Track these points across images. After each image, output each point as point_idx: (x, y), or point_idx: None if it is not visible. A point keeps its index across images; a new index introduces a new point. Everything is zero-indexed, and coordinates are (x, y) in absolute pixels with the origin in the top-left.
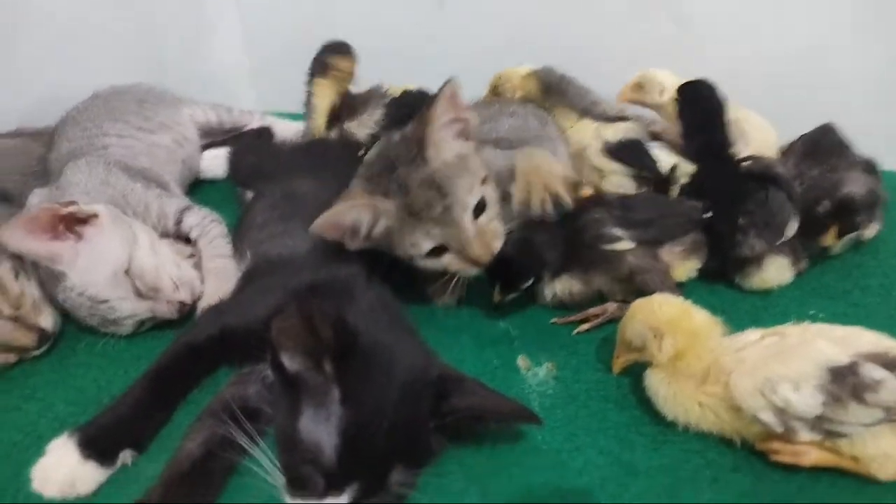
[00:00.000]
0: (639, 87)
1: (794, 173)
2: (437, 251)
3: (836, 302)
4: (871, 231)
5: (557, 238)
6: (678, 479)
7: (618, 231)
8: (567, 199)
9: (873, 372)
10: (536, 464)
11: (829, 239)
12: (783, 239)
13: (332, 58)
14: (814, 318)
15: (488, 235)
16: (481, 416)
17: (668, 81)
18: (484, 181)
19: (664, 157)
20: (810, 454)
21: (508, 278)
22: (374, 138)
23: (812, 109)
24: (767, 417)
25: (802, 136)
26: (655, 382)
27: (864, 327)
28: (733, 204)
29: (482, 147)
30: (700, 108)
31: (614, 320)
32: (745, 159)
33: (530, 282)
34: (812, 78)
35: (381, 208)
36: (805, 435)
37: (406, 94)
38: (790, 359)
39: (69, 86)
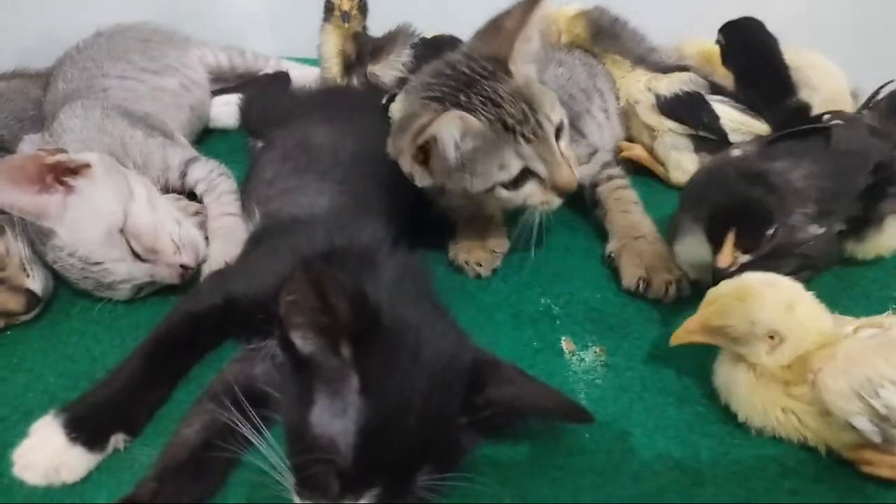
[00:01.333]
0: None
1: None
2: (519, 180)
3: None
4: None
5: None
6: (750, 490)
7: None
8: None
9: None
10: (582, 467)
11: None
12: None
13: None
14: None
15: (571, 160)
16: (521, 410)
17: None
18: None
19: (727, 114)
20: None
21: (748, 222)
22: (402, 82)
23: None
24: (863, 424)
25: (891, 92)
26: (734, 379)
27: None
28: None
29: None
30: (753, 50)
31: None
32: (823, 115)
33: (773, 230)
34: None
35: (471, 124)
36: None
37: (439, 38)
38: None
39: (72, 26)
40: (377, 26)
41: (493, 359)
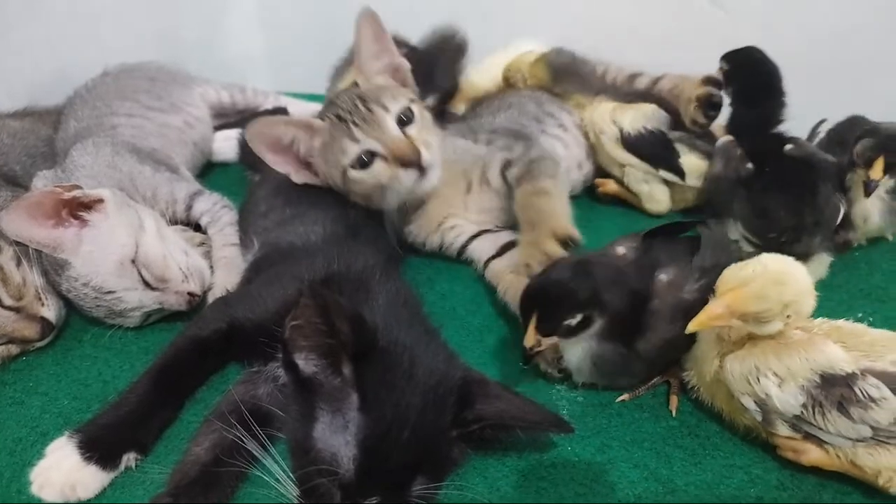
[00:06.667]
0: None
1: None
2: (367, 161)
3: (887, 305)
4: None
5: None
6: (719, 496)
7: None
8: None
9: (871, 389)
10: (565, 477)
11: (877, 172)
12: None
13: None
14: (863, 322)
15: (417, 141)
16: (508, 424)
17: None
18: (413, 103)
19: (686, 156)
20: (809, 453)
21: (548, 308)
22: None
23: (848, 89)
24: (748, 404)
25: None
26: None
27: None
28: (802, 196)
29: (464, 138)
30: (760, 73)
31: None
32: (786, 141)
33: (577, 318)
34: (849, 58)
35: (316, 126)
36: (783, 430)
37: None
38: (787, 353)
39: (80, 65)
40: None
41: (482, 377)
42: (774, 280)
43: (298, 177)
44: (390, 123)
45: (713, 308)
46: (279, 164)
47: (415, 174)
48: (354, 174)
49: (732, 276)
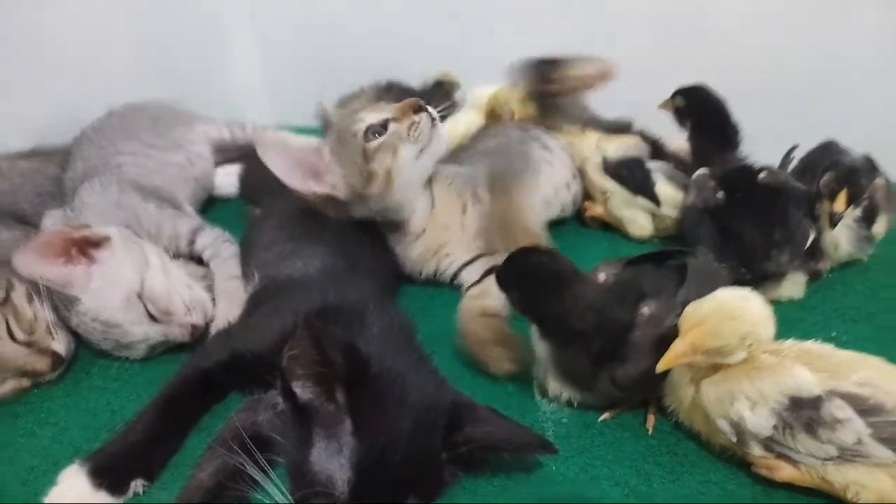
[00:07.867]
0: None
1: None
2: (379, 130)
3: (860, 325)
4: (880, 226)
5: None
6: None
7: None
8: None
9: (837, 411)
10: (551, 494)
11: (840, 205)
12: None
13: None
14: (836, 342)
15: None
16: (495, 446)
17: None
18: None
19: (662, 185)
20: (783, 470)
21: (521, 296)
22: None
23: (828, 110)
24: (724, 426)
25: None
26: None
27: (887, 353)
28: (772, 219)
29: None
30: (711, 107)
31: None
32: (759, 170)
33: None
34: (830, 79)
35: (318, 145)
36: (757, 450)
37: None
38: (759, 377)
39: (84, 103)
40: None
41: (471, 401)
42: (727, 316)
43: (318, 186)
44: (387, 106)
45: (678, 347)
46: (292, 179)
47: (428, 119)
48: (374, 144)
49: (692, 314)
